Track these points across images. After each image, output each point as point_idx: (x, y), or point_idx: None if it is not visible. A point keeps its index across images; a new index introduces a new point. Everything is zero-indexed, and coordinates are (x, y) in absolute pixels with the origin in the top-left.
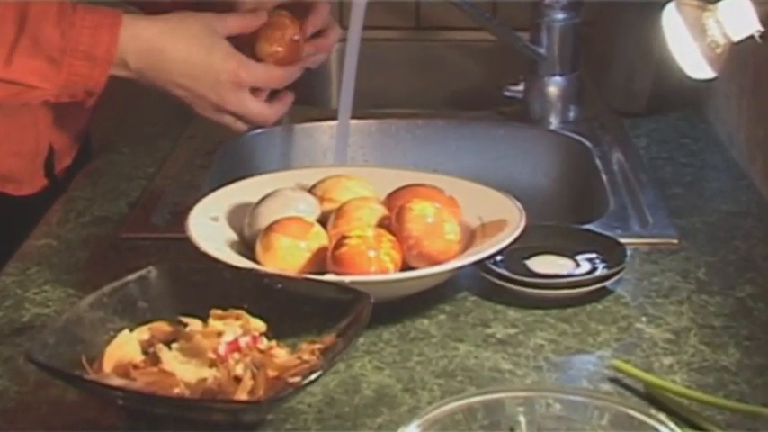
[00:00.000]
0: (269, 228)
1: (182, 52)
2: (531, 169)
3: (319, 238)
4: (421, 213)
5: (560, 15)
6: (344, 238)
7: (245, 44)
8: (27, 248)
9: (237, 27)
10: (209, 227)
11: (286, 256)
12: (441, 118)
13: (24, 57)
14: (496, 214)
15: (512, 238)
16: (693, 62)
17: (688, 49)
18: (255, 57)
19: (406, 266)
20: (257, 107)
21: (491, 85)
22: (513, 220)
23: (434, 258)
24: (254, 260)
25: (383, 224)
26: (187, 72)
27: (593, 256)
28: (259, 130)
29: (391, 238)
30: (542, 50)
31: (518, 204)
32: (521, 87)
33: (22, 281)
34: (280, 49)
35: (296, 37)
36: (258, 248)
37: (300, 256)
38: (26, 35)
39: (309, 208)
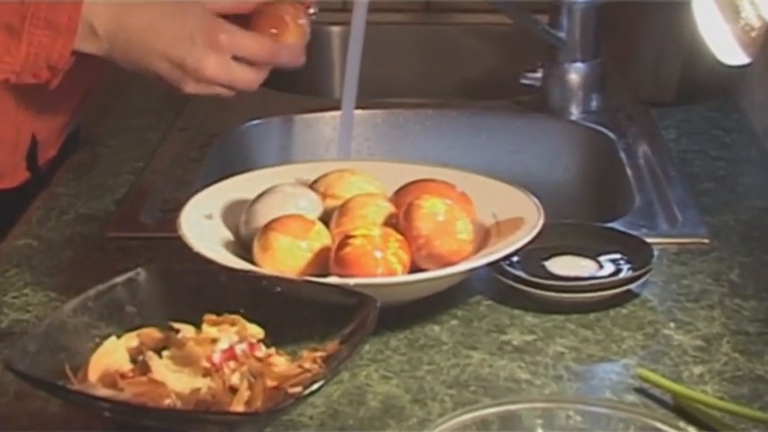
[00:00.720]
0: (267, 226)
1: (155, 11)
2: (549, 163)
3: (321, 238)
4: (431, 211)
5: None
6: (348, 237)
7: None
8: (5, 249)
9: (230, 4)
10: (202, 225)
11: (286, 257)
12: (452, 108)
13: None
14: (512, 212)
15: (529, 238)
16: (726, 47)
17: (720, 33)
18: None
19: (415, 268)
20: (240, 71)
21: (507, 72)
22: (530, 217)
23: (446, 259)
24: (252, 261)
25: (390, 222)
26: (161, 33)
27: (618, 256)
28: (256, 121)
29: (399, 237)
30: (562, 34)
31: (535, 201)
32: (539, 74)
33: (0, 284)
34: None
35: (300, 21)
36: (256, 249)
37: (301, 257)
38: None
39: (311, 205)
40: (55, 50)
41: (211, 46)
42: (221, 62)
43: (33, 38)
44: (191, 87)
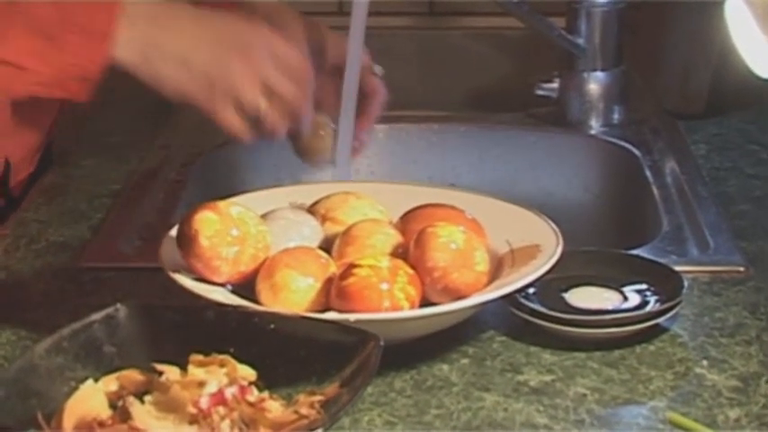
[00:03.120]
0: (278, 261)
1: (194, 11)
2: (568, 183)
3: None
4: (449, 240)
5: None
6: (353, 266)
7: None
8: None
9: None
10: None
11: (301, 301)
12: (460, 122)
13: (19, 33)
14: (528, 238)
15: (546, 267)
16: (761, 57)
17: (755, 43)
18: None
19: (425, 303)
20: (295, 53)
21: (520, 82)
22: (547, 244)
23: (461, 293)
24: (243, 295)
25: (397, 253)
26: (204, 23)
27: (644, 287)
28: None
29: (409, 271)
30: (581, 40)
31: (553, 226)
32: (555, 85)
33: None
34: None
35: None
36: (264, 287)
37: (317, 299)
38: (18, 10)
39: (313, 233)
40: (91, 60)
41: (263, 42)
42: (274, 44)
43: (68, 45)
44: (235, 92)
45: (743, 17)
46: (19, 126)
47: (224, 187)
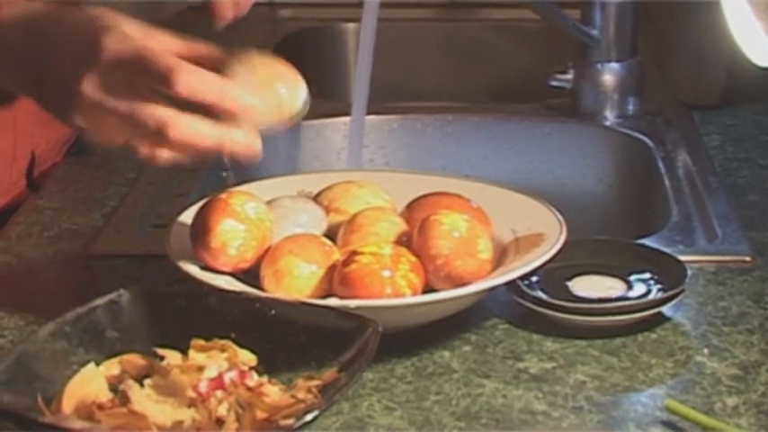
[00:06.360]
0: (282, 248)
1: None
2: (581, 173)
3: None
4: (451, 228)
5: None
6: (356, 254)
7: None
8: None
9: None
10: None
11: (304, 288)
12: (475, 113)
13: None
14: (533, 227)
15: (548, 256)
16: (759, 47)
17: (752, 32)
18: None
19: (428, 290)
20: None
21: (535, 73)
22: (551, 233)
23: (464, 280)
24: (246, 282)
25: (401, 241)
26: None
27: (648, 276)
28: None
29: (412, 258)
30: (595, 31)
31: (558, 215)
32: (570, 76)
33: None
34: None
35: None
36: (267, 274)
37: (320, 286)
38: None
39: (313, 221)
40: None
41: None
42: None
43: None
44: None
45: (739, 4)
46: (49, 118)
47: (237, 176)
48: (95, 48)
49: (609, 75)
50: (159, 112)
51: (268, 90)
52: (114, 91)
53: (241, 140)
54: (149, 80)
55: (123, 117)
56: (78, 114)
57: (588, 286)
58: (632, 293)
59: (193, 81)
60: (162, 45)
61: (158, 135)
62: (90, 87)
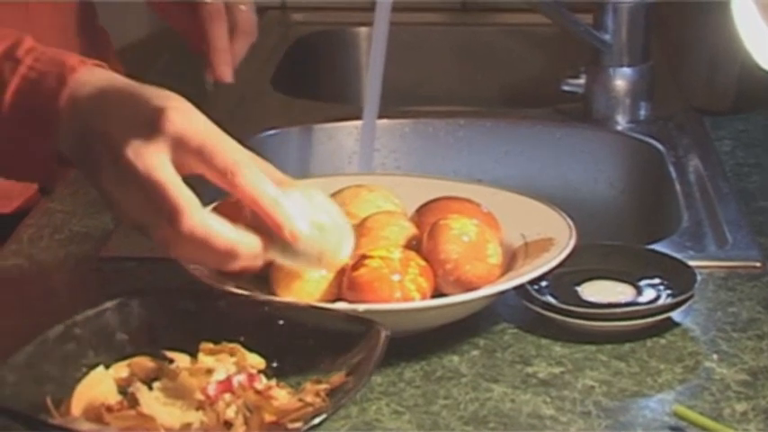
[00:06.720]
0: None
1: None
2: (593, 178)
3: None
4: (461, 232)
5: None
6: (365, 257)
7: None
8: None
9: None
10: None
11: (313, 291)
12: (487, 117)
13: None
14: (542, 231)
15: (557, 260)
16: (765, 49)
17: (761, 37)
18: None
19: (438, 295)
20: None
21: (547, 77)
22: (560, 238)
23: (473, 285)
24: (256, 286)
25: (411, 245)
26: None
27: (658, 281)
28: (272, 131)
29: (421, 263)
30: (607, 36)
31: (568, 220)
32: (582, 80)
33: None
34: None
35: None
36: (277, 277)
37: (329, 289)
38: None
39: None
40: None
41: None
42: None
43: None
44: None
45: (747, 8)
46: None
47: None
48: (162, 119)
49: (621, 79)
50: (177, 196)
51: (318, 231)
52: (160, 166)
53: (254, 253)
54: (208, 167)
55: (151, 190)
56: (111, 178)
57: (597, 291)
58: (642, 299)
59: (255, 182)
60: (230, 143)
61: (171, 220)
62: (135, 152)
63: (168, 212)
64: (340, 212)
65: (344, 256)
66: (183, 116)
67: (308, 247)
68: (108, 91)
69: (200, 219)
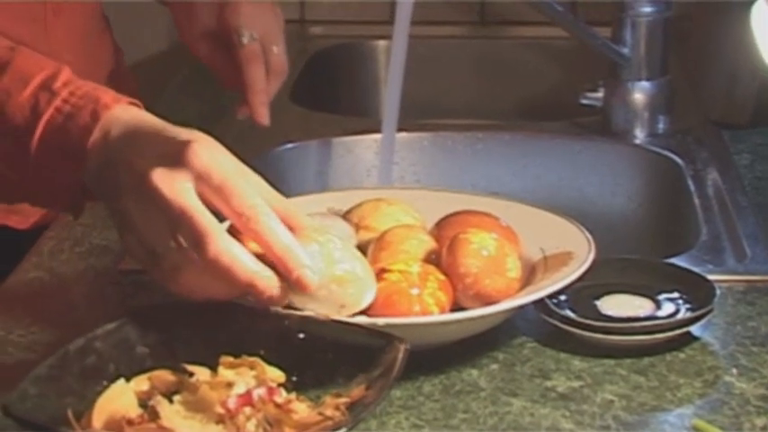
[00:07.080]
0: None
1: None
2: (611, 191)
3: None
4: (480, 246)
5: (648, 9)
6: (384, 271)
7: None
8: (13, 284)
9: None
10: None
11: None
12: (506, 130)
13: None
14: (561, 245)
15: (577, 274)
16: None
17: None
18: None
19: (457, 309)
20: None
21: (565, 91)
22: (580, 252)
23: (493, 299)
24: None
25: (430, 259)
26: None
27: (677, 296)
28: (291, 145)
29: (440, 277)
30: (626, 50)
31: (587, 233)
32: (600, 94)
33: (5, 321)
34: None
35: None
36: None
37: None
38: None
39: (343, 238)
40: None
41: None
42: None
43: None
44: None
45: (767, 20)
46: None
47: None
48: (189, 152)
49: (639, 93)
50: (206, 222)
51: (336, 286)
52: (186, 192)
53: (270, 289)
54: (226, 206)
55: (176, 215)
56: (131, 201)
57: (616, 305)
58: (661, 313)
59: (269, 229)
60: (250, 185)
61: (198, 243)
62: (160, 178)
63: (195, 236)
64: (362, 261)
65: (365, 305)
66: (209, 152)
67: (326, 298)
68: (138, 128)
69: (226, 245)
